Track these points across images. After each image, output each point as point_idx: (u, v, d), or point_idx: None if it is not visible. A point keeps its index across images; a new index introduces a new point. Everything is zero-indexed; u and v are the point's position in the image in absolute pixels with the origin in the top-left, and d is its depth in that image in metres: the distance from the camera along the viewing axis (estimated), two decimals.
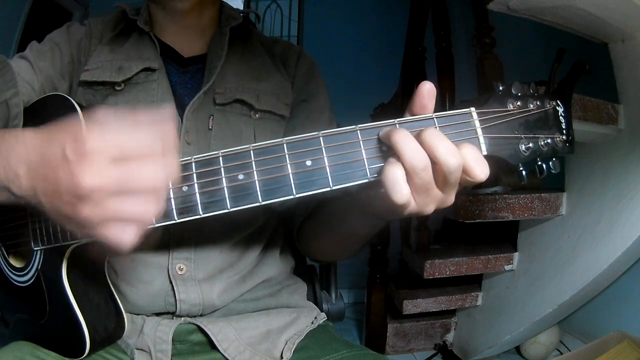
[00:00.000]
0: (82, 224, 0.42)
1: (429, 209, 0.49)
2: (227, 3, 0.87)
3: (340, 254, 0.78)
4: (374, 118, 2.25)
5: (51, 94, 0.70)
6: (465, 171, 0.47)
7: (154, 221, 0.43)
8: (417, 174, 0.45)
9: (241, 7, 2.86)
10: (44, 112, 0.69)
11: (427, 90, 0.49)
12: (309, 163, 0.49)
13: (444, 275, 1.82)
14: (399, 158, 0.45)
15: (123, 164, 0.40)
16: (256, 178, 0.49)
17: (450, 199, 0.50)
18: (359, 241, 0.71)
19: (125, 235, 0.42)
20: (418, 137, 0.46)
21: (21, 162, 0.45)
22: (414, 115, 0.50)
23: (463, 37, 2.30)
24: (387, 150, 0.48)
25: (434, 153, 0.45)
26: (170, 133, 0.43)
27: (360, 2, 2.93)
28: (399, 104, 2.11)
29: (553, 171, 0.51)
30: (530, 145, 0.50)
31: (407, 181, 0.46)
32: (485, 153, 0.49)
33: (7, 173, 0.47)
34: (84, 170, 0.40)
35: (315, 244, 0.79)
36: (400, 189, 0.45)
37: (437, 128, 0.48)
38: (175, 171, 0.43)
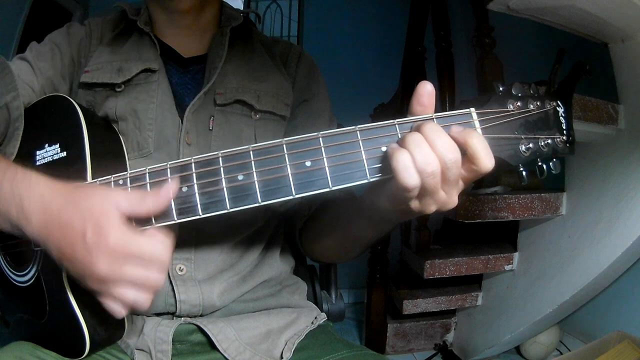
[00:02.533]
0: (87, 286, 0.51)
1: (431, 209, 0.50)
2: (227, 3, 0.87)
3: (344, 256, 0.79)
4: (374, 118, 2.26)
5: (51, 95, 0.70)
6: (472, 159, 0.47)
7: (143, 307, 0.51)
8: (426, 178, 0.46)
9: (241, 7, 2.86)
10: (44, 113, 0.69)
11: (427, 91, 0.49)
12: (308, 164, 0.49)
13: (444, 275, 1.82)
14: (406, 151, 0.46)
15: (134, 265, 0.49)
16: (256, 179, 0.49)
17: (453, 200, 0.50)
18: (364, 244, 0.70)
19: (117, 309, 0.51)
20: (417, 129, 0.47)
21: (36, 213, 0.51)
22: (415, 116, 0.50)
23: (463, 37, 2.30)
24: (386, 151, 0.48)
25: (431, 147, 0.46)
26: (170, 242, 0.51)
27: (360, 2, 2.93)
28: (399, 104, 2.11)
29: (553, 172, 0.51)
30: (531, 145, 0.50)
31: None
32: None
33: (20, 215, 0.52)
34: (102, 261, 0.48)
35: (319, 245, 0.79)
36: (412, 173, 0.45)
37: None
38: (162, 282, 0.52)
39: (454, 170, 0.47)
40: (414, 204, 0.50)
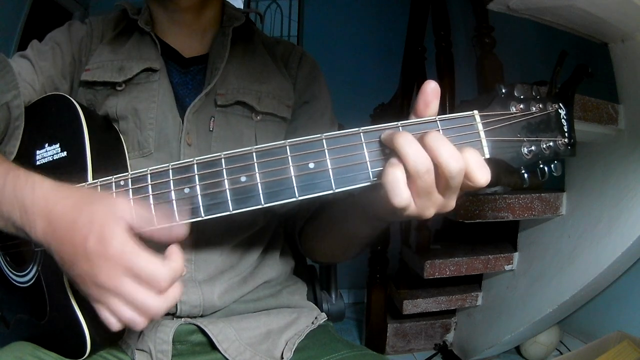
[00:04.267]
0: (86, 293, 0.50)
1: (429, 212, 0.49)
2: (229, 2, 0.87)
3: (343, 256, 0.78)
4: (374, 118, 2.25)
5: (52, 93, 0.70)
6: (466, 176, 0.46)
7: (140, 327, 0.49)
8: (420, 177, 0.45)
9: (241, 7, 2.85)
10: (45, 112, 0.69)
11: (432, 89, 0.49)
12: (311, 165, 0.48)
13: (444, 275, 1.82)
14: (400, 160, 0.45)
15: (134, 280, 0.46)
16: (258, 180, 0.49)
17: (451, 204, 0.49)
18: (361, 243, 0.70)
19: (113, 323, 0.49)
20: (421, 140, 0.46)
21: (39, 217, 0.51)
22: (418, 114, 0.50)
23: (463, 37, 2.30)
24: (389, 153, 0.48)
25: (436, 156, 0.45)
26: (179, 271, 0.49)
27: (360, 2, 2.93)
28: (398, 104, 2.11)
29: (555, 174, 0.51)
30: (533, 148, 0.50)
31: (409, 184, 0.46)
32: (487, 156, 0.49)
33: (23, 219, 0.52)
34: (101, 268, 0.47)
35: (318, 246, 0.79)
36: (400, 192, 0.45)
37: (440, 131, 0.48)
38: (171, 306, 0.49)
39: (459, 179, 0.46)
40: (411, 209, 0.48)
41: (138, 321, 0.48)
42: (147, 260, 0.47)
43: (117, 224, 0.47)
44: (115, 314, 0.48)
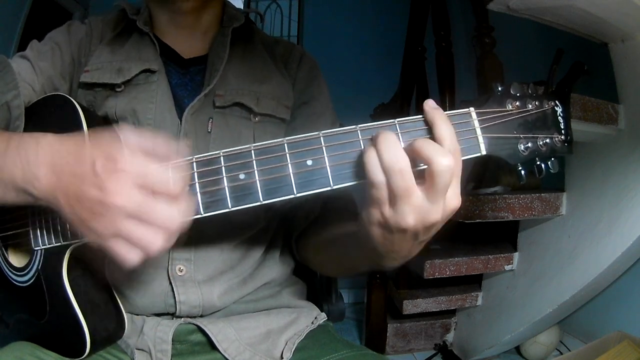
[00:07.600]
0: (96, 232, 0.47)
1: (408, 220, 0.46)
2: (230, 3, 0.86)
3: (336, 275, 0.82)
4: (374, 118, 2.25)
5: (52, 94, 0.70)
6: (425, 159, 0.44)
7: (157, 252, 0.47)
8: (393, 175, 0.44)
9: (241, 7, 2.85)
10: (45, 112, 0.69)
11: (430, 108, 0.49)
12: (309, 163, 0.49)
13: (444, 275, 1.82)
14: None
15: (146, 193, 0.45)
16: (257, 178, 0.49)
17: (435, 212, 0.46)
18: (357, 271, 0.69)
19: (129, 256, 0.47)
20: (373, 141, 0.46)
21: (43, 165, 0.50)
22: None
23: (463, 37, 2.30)
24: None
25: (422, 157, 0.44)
26: (188, 178, 0.49)
27: (360, 2, 2.94)
28: (398, 104, 2.11)
29: (552, 171, 0.52)
30: (529, 145, 0.51)
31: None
32: (484, 152, 0.50)
33: (26, 174, 0.51)
34: (112, 187, 0.45)
35: (314, 260, 0.80)
36: (379, 170, 0.45)
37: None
38: (188, 216, 0.48)
39: (446, 177, 0.44)
40: (388, 213, 0.46)
41: (156, 241, 0.46)
42: (157, 168, 0.46)
43: (121, 145, 0.47)
44: (132, 240, 0.46)
